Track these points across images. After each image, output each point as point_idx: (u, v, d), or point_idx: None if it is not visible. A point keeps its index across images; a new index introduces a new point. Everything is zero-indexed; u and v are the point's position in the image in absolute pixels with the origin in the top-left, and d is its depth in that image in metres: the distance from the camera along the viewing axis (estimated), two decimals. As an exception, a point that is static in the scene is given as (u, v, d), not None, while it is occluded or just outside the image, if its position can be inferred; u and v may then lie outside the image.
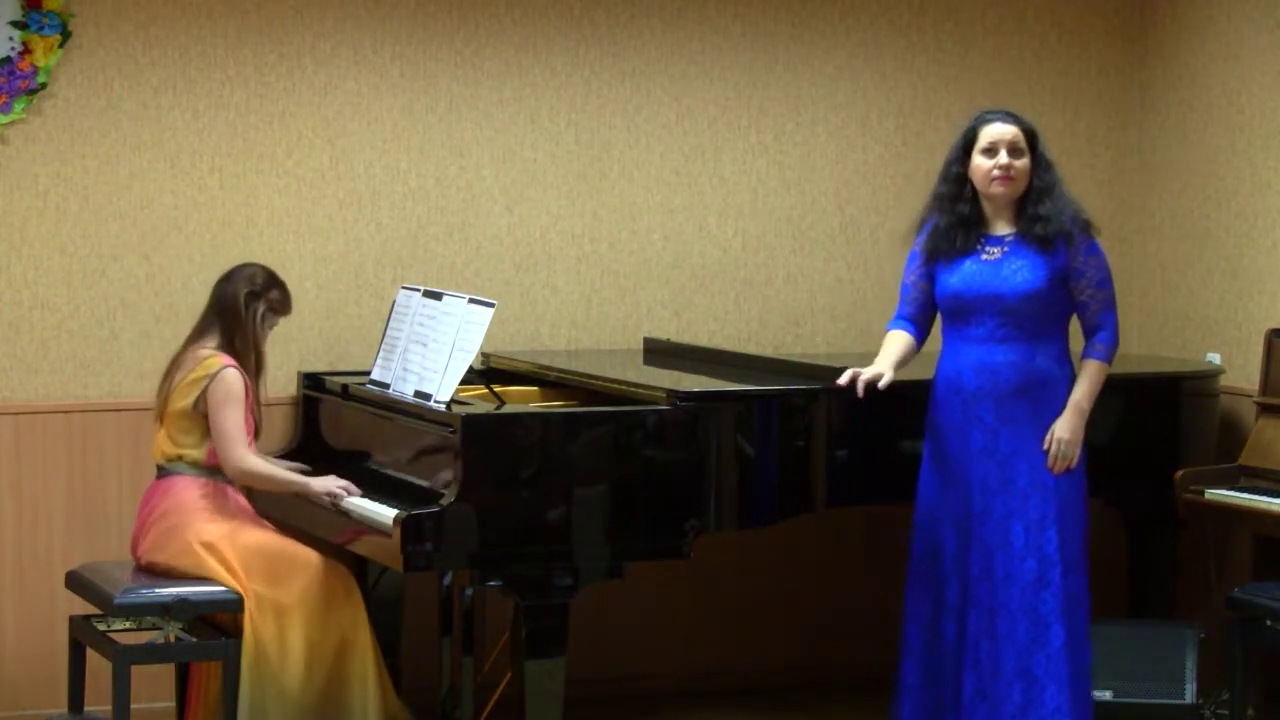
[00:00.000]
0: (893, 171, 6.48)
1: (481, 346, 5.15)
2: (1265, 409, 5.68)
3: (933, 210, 5.07)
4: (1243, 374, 6.06)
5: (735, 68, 6.34)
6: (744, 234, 6.38)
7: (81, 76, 5.82)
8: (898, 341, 5.11)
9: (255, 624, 5.01)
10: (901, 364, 5.08)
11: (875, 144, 6.47)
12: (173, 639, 5.06)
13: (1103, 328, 4.99)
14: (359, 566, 5.48)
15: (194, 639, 5.11)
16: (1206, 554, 5.84)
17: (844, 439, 5.21)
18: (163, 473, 5.28)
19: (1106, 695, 5.31)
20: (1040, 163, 4.97)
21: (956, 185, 5.01)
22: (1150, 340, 6.51)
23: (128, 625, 5.17)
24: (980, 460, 4.95)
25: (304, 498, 5.23)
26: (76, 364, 5.86)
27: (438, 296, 5.31)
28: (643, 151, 6.28)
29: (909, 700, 5.07)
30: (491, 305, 5.09)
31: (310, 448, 5.75)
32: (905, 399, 5.22)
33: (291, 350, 6.00)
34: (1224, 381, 6.01)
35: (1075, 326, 5.05)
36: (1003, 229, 4.99)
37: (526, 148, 6.19)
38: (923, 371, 5.18)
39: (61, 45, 5.77)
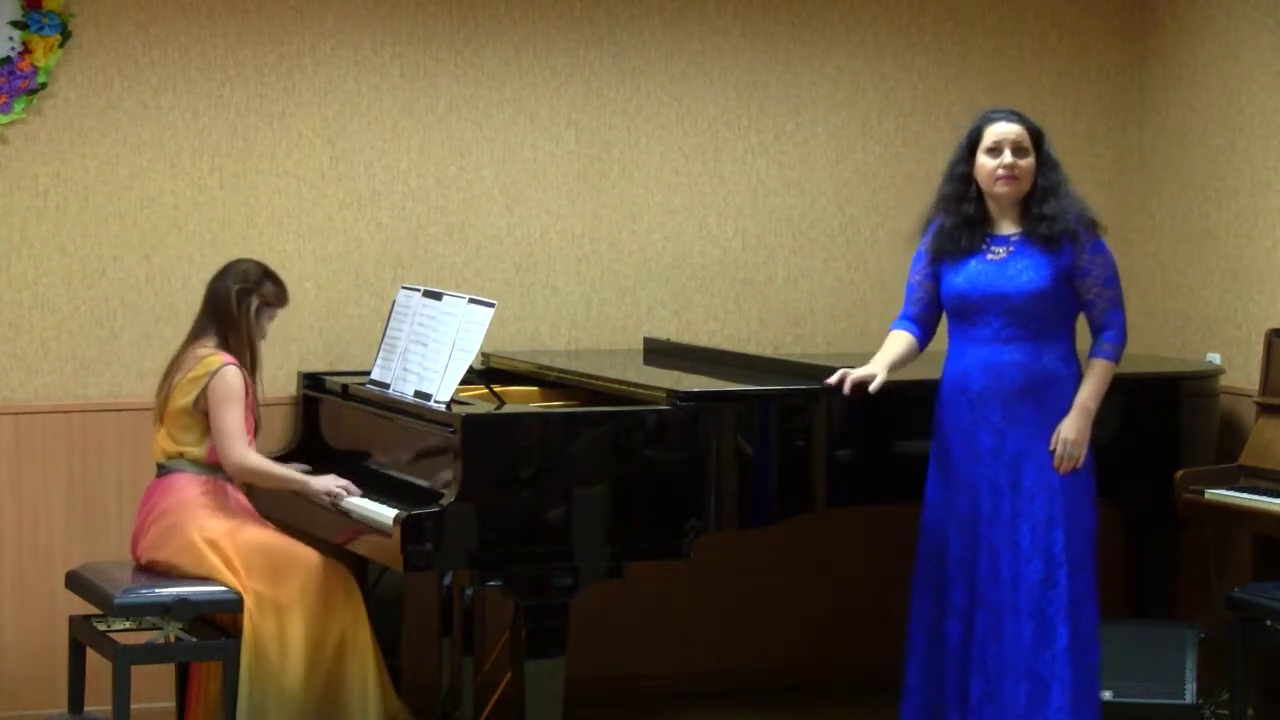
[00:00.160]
0: (893, 171, 6.48)
1: (481, 346, 5.15)
2: (1265, 409, 5.68)
3: (938, 210, 5.06)
4: (1243, 374, 6.06)
5: (735, 68, 6.34)
6: (744, 234, 6.38)
7: (81, 76, 5.82)
8: (897, 342, 5.11)
9: (255, 623, 5.01)
10: (899, 365, 5.07)
11: (875, 144, 6.47)
12: (173, 639, 5.06)
13: (1109, 327, 4.98)
14: (359, 566, 5.48)
15: (194, 639, 5.11)
16: (1206, 554, 5.84)
17: (844, 439, 5.21)
18: (163, 471, 5.28)
19: (1107, 695, 5.31)
20: (1045, 162, 4.96)
21: (961, 185, 5.00)
22: (1150, 340, 6.51)
23: (128, 625, 5.17)
24: (988, 461, 4.94)
25: (304, 496, 5.23)
26: (76, 364, 5.86)
27: (438, 296, 5.31)
28: (643, 151, 6.28)
29: (910, 700, 5.08)
30: (491, 305, 5.09)
31: (310, 448, 5.75)
32: (905, 399, 5.22)
33: (291, 350, 6.00)
34: (1224, 381, 6.01)
35: (1082, 324, 5.05)
36: (1008, 228, 4.99)
37: (526, 148, 6.19)
38: (922, 371, 5.18)
39: (61, 45, 5.77)
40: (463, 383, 5.11)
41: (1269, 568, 5.70)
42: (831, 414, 5.16)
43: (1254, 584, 5.36)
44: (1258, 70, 6.05)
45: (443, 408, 5.02)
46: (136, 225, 5.89)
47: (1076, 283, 4.95)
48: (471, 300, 5.16)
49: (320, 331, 6.04)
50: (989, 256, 4.97)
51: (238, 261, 5.39)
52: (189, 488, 5.22)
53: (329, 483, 5.17)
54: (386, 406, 5.36)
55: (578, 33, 6.21)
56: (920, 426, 5.19)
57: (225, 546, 5.10)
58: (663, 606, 6.24)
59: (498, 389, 5.51)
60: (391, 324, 5.55)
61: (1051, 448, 4.91)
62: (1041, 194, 4.94)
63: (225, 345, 5.27)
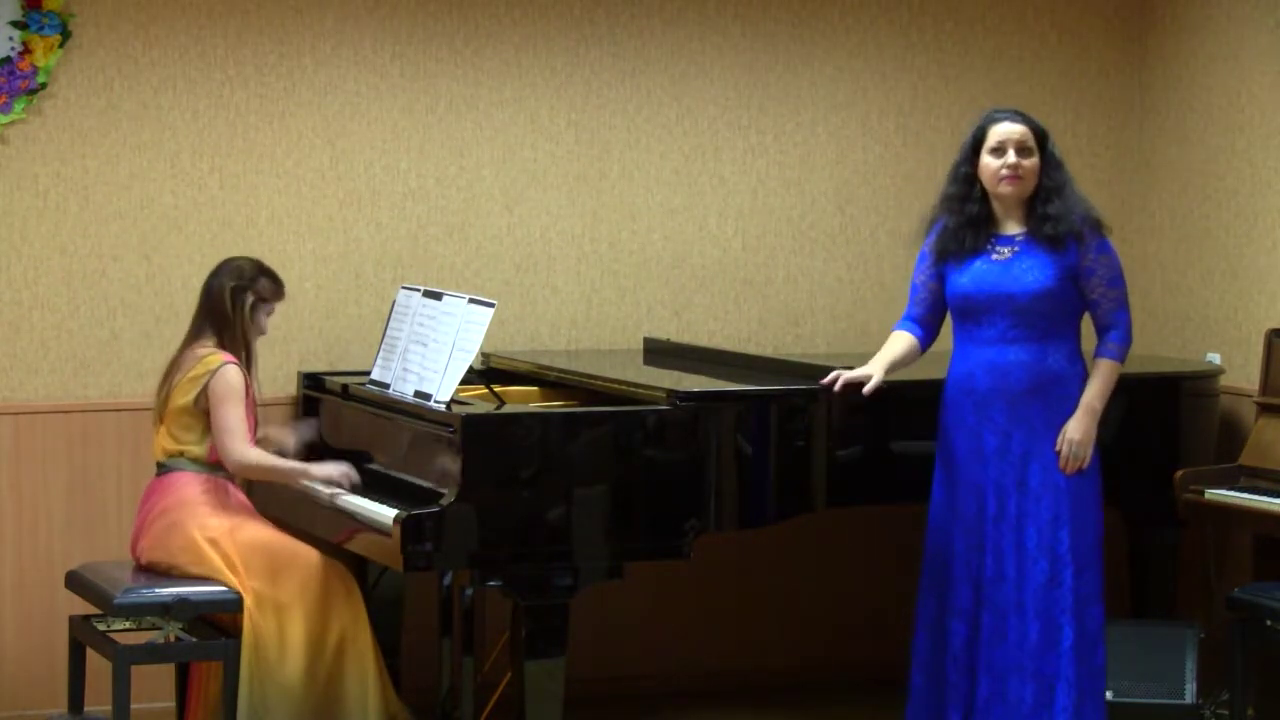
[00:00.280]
0: (893, 171, 6.48)
1: (481, 346, 5.15)
2: (1265, 409, 5.68)
3: (942, 210, 5.04)
4: (1243, 374, 6.06)
5: (735, 68, 6.34)
6: (744, 234, 6.38)
7: (81, 76, 5.82)
8: (898, 343, 5.10)
9: (255, 622, 5.01)
10: (898, 366, 5.07)
11: (875, 144, 6.47)
12: (173, 639, 5.06)
13: (1115, 327, 4.97)
14: (359, 566, 5.48)
15: (194, 639, 5.11)
16: (1206, 554, 5.85)
17: (844, 439, 5.21)
18: (163, 469, 5.28)
19: (1107, 695, 5.31)
20: (1050, 162, 4.95)
21: (966, 185, 4.99)
22: (1150, 340, 6.51)
23: (128, 625, 5.17)
24: (994, 462, 4.94)
25: (306, 490, 5.23)
26: (76, 364, 5.86)
27: (438, 296, 5.31)
28: (643, 151, 6.28)
29: (914, 701, 5.07)
30: (491, 305, 5.09)
31: (310, 447, 5.75)
32: (905, 399, 5.23)
33: (291, 350, 6.00)
34: (1224, 381, 6.01)
35: (1087, 324, 5.04)
36: (1013, 229, 4.98)
37: (526, 148, 6.19)
38: (922, 372, 5.18)
39: (61, 45, 5.77)
40: (463, 383, 5.11)
41: (1269, 568, 5.70)
42: (831, 414, 5.16)
43: (1254, 584, 5.36)
44: (1258, 70, 6.05)
45: (443, 408, 5.01)
46: (136, 225, 5.89)
47: (1081, 283, 4.94)
48: (471, 300, 5.16)
49: (320, 331, 6.04)
50: (994, 256, 4.96)
51: (232, 259, 5.39)
52: (189, 486, 5.22)
53: (330, 470, 5.18)
54: (386, 406, 5.36)
55: (578, 33, 6.21)
56: (920, 427, 5.20)
57: (225, 545, 5.10)
58: (663, 606, 6.24)
59: (498, 389, 5.51)
60: (391, 324, 5.55)
61: (1057, 448, 4.90)
62: (1046, 194, 4.93)
63: (223, 344, 5.27)
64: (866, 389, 4.95)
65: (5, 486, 5.79)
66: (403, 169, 6.09)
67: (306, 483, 5.25)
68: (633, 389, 5.18)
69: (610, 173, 6.26)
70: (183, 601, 5.01)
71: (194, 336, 5.32)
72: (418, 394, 5.18)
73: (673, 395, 5.00)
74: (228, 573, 5.06)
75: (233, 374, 5.20)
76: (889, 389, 5.01)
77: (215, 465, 5.26)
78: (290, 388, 5.95)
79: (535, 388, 5.65)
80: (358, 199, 6.06)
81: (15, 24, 5.72)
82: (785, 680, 6.37)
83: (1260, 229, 6.05)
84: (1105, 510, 5.05)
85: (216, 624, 5.16)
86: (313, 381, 5.85)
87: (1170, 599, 5.79)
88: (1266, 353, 5.72)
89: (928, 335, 5.13)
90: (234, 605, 5.03)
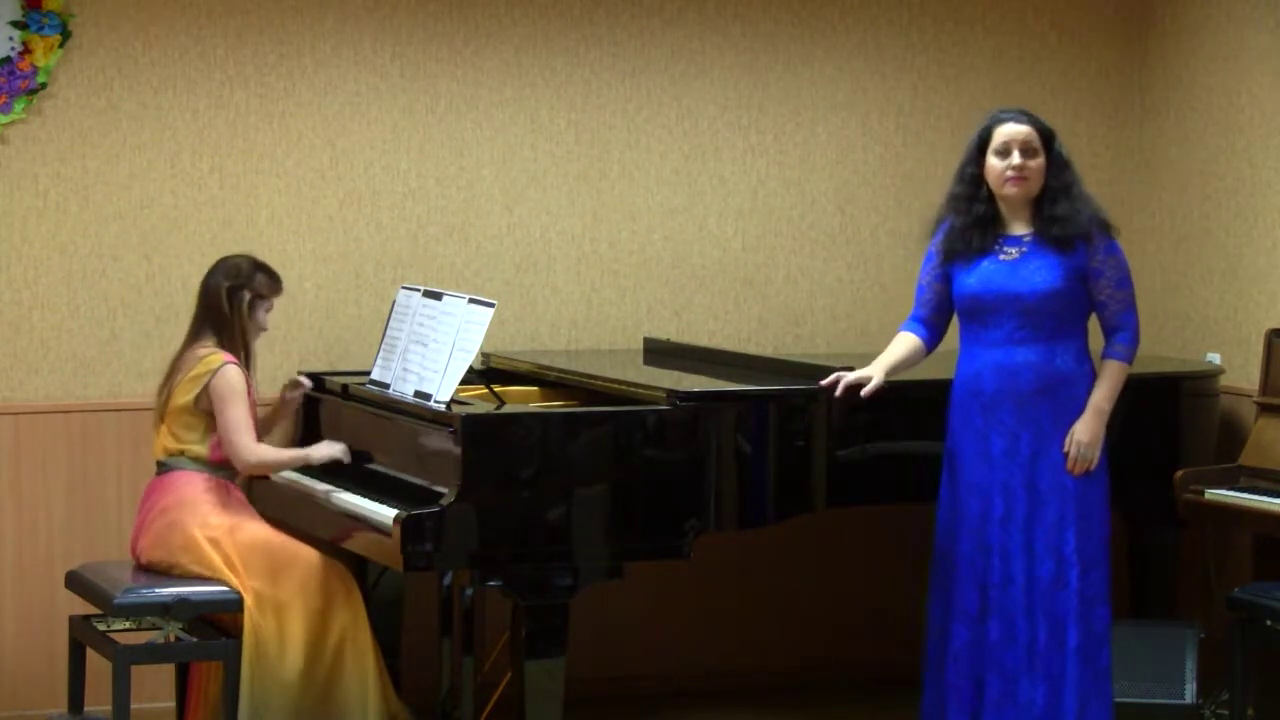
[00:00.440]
0: (893, 171, 6.48)
1: (481, 346, 5.15)
2: (1265, 409, 5.68)
3: (948, 211, 5.02)
4: (1243, 374, 6.06)
5: (735, 68, 6.34)
6: (744, 234, 6.38)
7: (81, 76, 5.82)
8: (901, 344, 5.09)
9: (255, 622, 5.01)
10: (901, 367, 5.06)
11: (875, 144, 6.47)
12: (173, 639, 5.06)
13: (1123, 328, 4.96)
14: (359, 566, 5.48)
15: (194, 639, 5.11)
16: (1206, 554, 5.84)
17: (844, 439, 5.20)
18: (164, 468, 5.29)
19: (1107, 695, 5.32)
20: (1056, 162, 4.93)
21: (972, 186, 4.98)
22: (1150, 340, 6.49)
23: (128, 625, 5.17)
24: (1002, 463, 4.92)
25: (305, 490, 5.23)
26: (76, 364, 5.87)
27: (438, 296, 5.31)
28: (643, 151, 6.28)
29: (922, 702, 5.07)
30: (491, 305, 5.09)
31: (299, 448, 5.74)
32: (906, 399, 5.22)
33: (291, 350, 6.00)
34: (1224, 381, 6.01)
35: (1093, 323, 5.04)
36: (1020, 229, 4.96)
37: (526, 148, 6.19)
38: (923, 372, 5.18)
39: (61, 45, 5.77)
40: (463, 383, 5.11)
41: (1269, 568, 5.70)
42: (831, 414, 5.16)
43: (1254, 584, 5.36)
44: (1258, 70, 6.05)
45: (443, 408, 5.02)
46: (136, 225, 5.89)
47: (1090, 284, 4.93)
48: (471, 300, 5.16)
49: (320, 331, 6.04)
50: (1001, 257, 4.94)
51: (227, 258, 5.39)
52: (190, 485, 5.23)
53: (326, 450, 5.31)
54: (386, 406, 5.36)
55: (578, 33, 6.21)
56: (920, 427, 5.19)
57: (225, 544, 5.10)
58: (663, 606, 6.24)
59: (498, 389, 5.51)
60: (391, 324, 5.56)
61: (1065, 449, 4.89)
62: (1053, 194, 4.92)
63: (223, 344, 5.28)
64: (865, 391, 4.95)
65: (5, 486, 5.79)
66: (403, 169, 6.09)
67: (306, 482, 5.27)
68: (633, 389, 5.18)
69: (610, 173, 6.26)
70: (183, 601, 5.02)
71: (194, 337, 5.33)
72: (418, 394, 5.18)
73: (673, 395, 5.00)
74: (227, 572, 5.06)
75: (233, 374, 5.20)
76: (889, 389, 5.00)
77: (216, 464, 5.27)
78: (290, 388, 5.95)
79: (535, 388, 5.65)
80: (358, 199, 6.06)
81: (15, 24, 5.72)
82: (785, 680, 6.37)
83: (1260, 229, 6.05)
84: (1107, 510, 5.05)
85: (216, 624, 5.17)
86: (313, 381, 5.85)
87: (1170, 599, 5.79)
88: (1266, 353, 5.72)
89: (933, 336, 5.12)
90: (234, 605, 5.03)
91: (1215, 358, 6.20)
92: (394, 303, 5.60)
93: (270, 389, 5.74)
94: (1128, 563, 5.81)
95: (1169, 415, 5.74)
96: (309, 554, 5.13)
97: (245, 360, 5.31)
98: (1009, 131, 4.91)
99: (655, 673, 6.30)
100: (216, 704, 5.15)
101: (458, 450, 4.80)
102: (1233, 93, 6.17)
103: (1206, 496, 5.49)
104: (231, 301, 5.29)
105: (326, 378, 5.82)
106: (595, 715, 5.80)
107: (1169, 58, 6.50)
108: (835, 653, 6.43)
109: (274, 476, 5.47)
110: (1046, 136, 4.93)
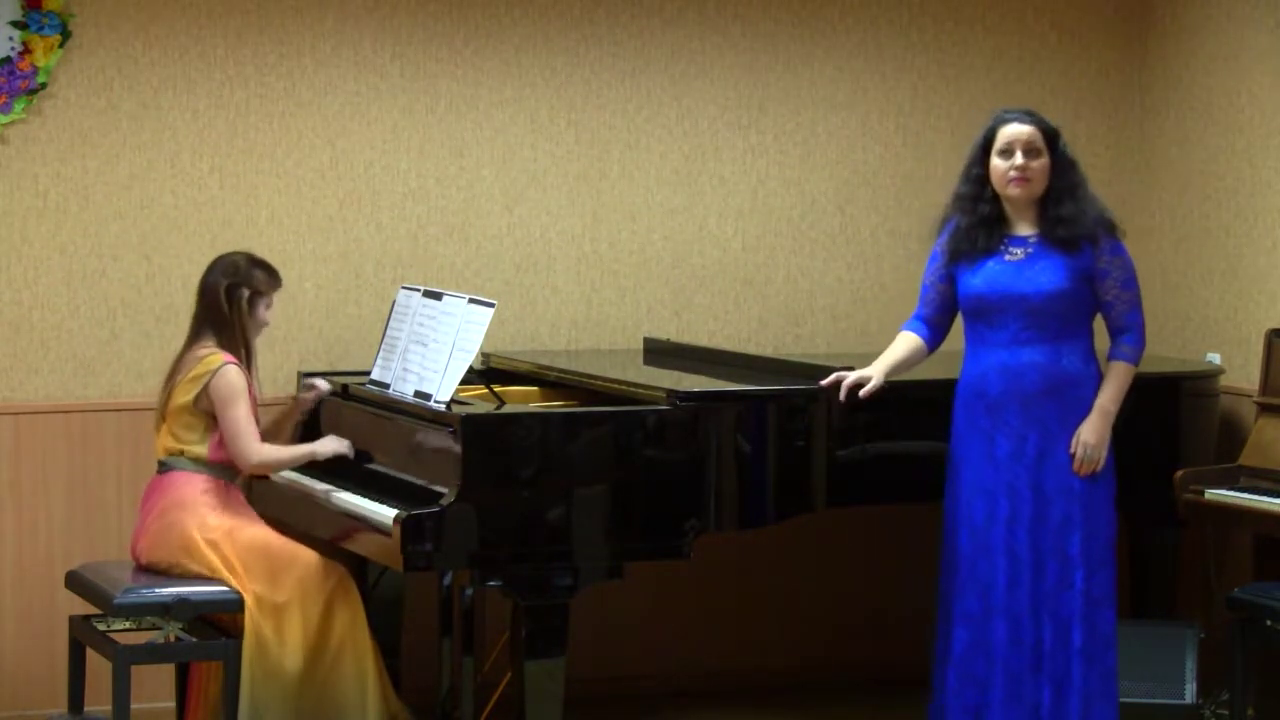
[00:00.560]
0: (893, 171, 6.48)
1: (481, 346, 5.15)
2: (1265, 409, 5.68)
3: (954, 210, 5.01)
4: (1243, 374, 6.06)
5: (735, 68, 6.34)
6: (744, 234, 6.38)
7: (81, 76, 5.82)
8: (903, 344, 5.08)
9: (255, 622, 5.01)
10: (902, 367, 5.05)
11: (875, 144, 6.47)
12: (173, 639, 5.06)
13: (1129, 329, 4.95)
14: (359, 566, 5.49)
15: (194, 639, 5.11)
16: (1206, 554, 5.84)
17: (844, 439, 5.20)
18: (164, 468, 5.29)
19: (1107, 696, 5.32)
20: (1061, 163, 4.91)
21: (977, 186, 4.96)
22: (1150, 340, 6.46)
23: (128, 625, 5.17)
24: (1008, 465, 4.90)
25: (305, 490, 5.22)
26: (76, 364, 5.87)
27: (438, 296, 5.31)
28: (643, 151, 6.28)
29: (930, 705, 5.06)
30: (491, 305, 5.09)
31: (303, 444, 5.74)
32: (906, 400, 5.22)
33: (291, 350, 6.00)
34: (1224, 381, 6.01)
35: (1099, 323, 5.03)
36: (1025, 229, 4.95)
37: (526, 148, 6.19)
38: (923, 372, 5.18)
39: (61, 45, 5.77)
40: (463, 383, 5.11)
41: (1269, 568, 5.70)
42: (831, 414, 5.16)
43: (1254, 584, 5.36)
44: (1258, 70, 6.05)
45: (443, 408, 5.02)
46: (136, 225, 5.89)
47: (1095, 285, 4.91)
48: (471, 300, 5.16)
49: (320, 331, 6.04)
50: (1007, 257, 4.92)
51: (223, 256, 5.38)
52: (189, 485, 5.23)
53: (331, 445, 5.31)
54: (386, 406, 5.36)
55: (578, 33, 6.21)
56: (920, 426, 5.20)
57: (224, 547, 5.10)
58: (663, 606, 6.24)
59: (498, 389, 5.51)
60: (391, 324, 5.56)
61: (1072, 451, 4.89)
62: (1058, 195, 4.90)
63: (222, 343, 5.27)
64: (863, 392, 4.94)
65: (5, 486, 5.79)
66: (403, 169, 6.09)
67: (306, 482, 5.28)
68: (633, 389, 5.18)
69: (610, 173, 6.26)
70: (183, 601, 5.02)
71: (194, 337, 5.32)
72: (418, 394, 5.18)
73: (672, 395, 5.00)
74: (226, 573, 5.06)
75: (234, 374, 5.20)
76: (889, 389, 5.00)
77: (216, 465, 5.26)
78: (290, 388, 5.94)
79: (535, 388, 5.65)
80: (358, 199, 6.06)
81: (15, 24, 5.72)
82: (785, 680, 6.37)
83: (1260, 229, 6.05)
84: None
85: (216, 624, 5.17)
86: (329, 385, 5.85)
87: (1170, 599, 5.79)
88: (1266, 353, 5.72)
89: (935, 336, 5.11)
90: (234, 605, 5.03)
91: (1215, 358, 6.20)
92: (394, 303, 5.60)
93: (270, 389, 5.74)
94: (1128, 563, 5.80)
95: (1169, 415, 5.74)
96: (308, 556, 5.13)
97: (247, 358, 5.30)
98: (1012, 132, 4.90)
99: (655, 673, 6.30)
100: (216, 704, 5.15)
101: (458, 450, 4.80)
102: (1233, 93, 6.17)
103: (1206, 496, 5.49)
104: (230, 299, 5.29)
105: (326, 378, 5.82)
106: (595, 715, 5.80)
107: (1169, 58, 6.50)
108: (835, 653, 6.43)
109: (274, 476, 5.46)
110: (1050, 137, 4.92)
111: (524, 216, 6.19)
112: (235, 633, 5.05)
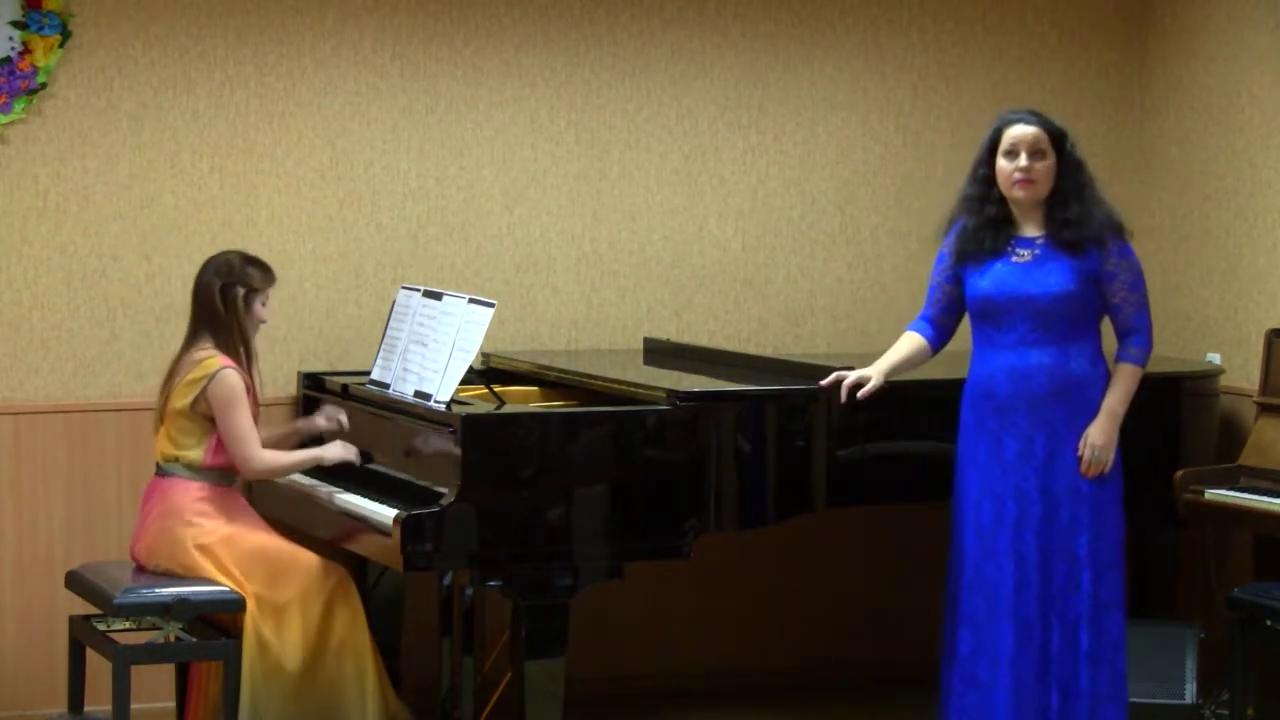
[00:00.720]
0: (893, 171, 6.48)
1: (481, 346, 5.15)
2: (1265, 409, 5.68)
3: (961, 211, 4.99)
4: (1243, 374, 6.06)
5: (735, 68, 6.34)
6: (744, 234, 6.38)
7: (81, 76, 5.82)
8: (905, 344, 5.07)
9: (255, 623, 5.01)
10: (902, 367, 5.04)
11: (875, 144, 6.47)
12: (173, 639, 5.06)
13: (1136, 331, 4.93)
14: (359, 567, 5.49)
15: (194, 639, 5.11)
16: (1206, 554, 5.84)
17: (844, 439, 5.20)
18: (161, 472, 5.28)
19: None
20: (1068, 164, 4.89)
21: (984, 187, 4.94)
22: (1150, 340, 6.51)
23: (128, 625, 5.17)
24: (1015, 467, 4.89)
25: (306, 490, 5.22)
26: (76, 364, 5.86)
27: (438, 296, 5.31)
28: (643, 151, 6.28)
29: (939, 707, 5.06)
30: (491, 305, 5.09)
31: (310, 448, 5.74)
32: (907, 400, 5.22)
33: (291, 350, 6.00)
34: (1224, 381, 6.01)
35: (1106, 325, 5.03)
36: (1032, 231, 4.93)
37: (526, 148, 6.19)
38: (923, 372, 5.17)
39: (61, 45, 5.77)
40: (463, 383, 5.11)
41: (1269, 568, 5.69)
42: (831, 414, 5.16)
43: (1254, 584, 5.36)
44: (1258, 70, 6.05)
45: (443, 408, 5.02)
46: (136, 225, 5.89)
47: (1102, 287, 4.89)
48: (471, 300, 5.16)
49: (320, 331, 6.04)
50: (1014, 259, 4.91)
51: (215, 256, 5.34)
52: (184, 493, 5.20)
53: (338, 451, 5.28)
54: (386, 406, 5.36)
55: (578, 33, 6.21)
56: (921, 427, 5.20)
57: (222, 554, 5.09)
58: (663, 606, 6.24)
59: (498, 389, 5.51)
60: (391, 324, 5.56)
61: (1080, 452, 4.88)
62: (1064, 197, 4.88)
63: (220, 344, 5.25)
64: (861, 393, 4.94)
65: (5, 486, 5.79)
66: (403, 169, 6.09)
67: (306, 482, 5.28)
68: (633, 389, 5.18)
69: (610, 173, 6.26)
70: (183, 601, 5.01)
71: (191, 339, 5.30)
72: (418, 394, 5.18)
73: (672, 395, 5.00)
74: (223, 578, 5.06)
75: (232, 378, 5.18)
76: (889, 389, 5.00)
77: (212, 470, 5.24)
78: (290, 388, 5.95)
79: (535, 388, 5.65)
80: (358, 199, 6.06)
81: (15, 24, 5.72)
82: (785, 680, 6.37)
83: (1260, 229, 6.05)
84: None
85: (216, 624, 5.16)
86: (313, 381, 5.85)
87: (1170, 599, 5.79)
88: (1266, 353, 5.72)
89: (940, 337, 5.09)
90: (234, 605, 5.03)
91: (1215, 358, 6.20)
92: (394, 303, 5.60)
93: (270, 389, 5.74)
94: (1128, 563, 5.80)
95: (1169, 415, 5.74)
96: (308, 558, 5.13)
97: (246, 357, 5.29)
98: (1017, 133, 4.88)
99: (655, 673, 6.30)
100: (216, 704, 5.15)
101: (458, 450, 4.80)
102: (1233, 93, 6.17)
103: (1206, 496, 5.49)
104: (225, 299, 5.26)
105: (326, 378, 5.83)
106: (595, 715, 5.80)
107: (1169, 58, 6.50)
108: (835, 653, 6.43)
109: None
110: (1057, 138, 4.89)
111: (524, 216, 6.19)
112: (235, 633, 5.05)
